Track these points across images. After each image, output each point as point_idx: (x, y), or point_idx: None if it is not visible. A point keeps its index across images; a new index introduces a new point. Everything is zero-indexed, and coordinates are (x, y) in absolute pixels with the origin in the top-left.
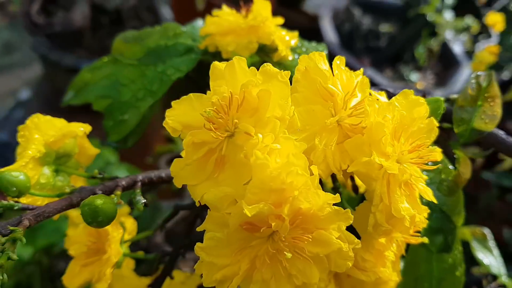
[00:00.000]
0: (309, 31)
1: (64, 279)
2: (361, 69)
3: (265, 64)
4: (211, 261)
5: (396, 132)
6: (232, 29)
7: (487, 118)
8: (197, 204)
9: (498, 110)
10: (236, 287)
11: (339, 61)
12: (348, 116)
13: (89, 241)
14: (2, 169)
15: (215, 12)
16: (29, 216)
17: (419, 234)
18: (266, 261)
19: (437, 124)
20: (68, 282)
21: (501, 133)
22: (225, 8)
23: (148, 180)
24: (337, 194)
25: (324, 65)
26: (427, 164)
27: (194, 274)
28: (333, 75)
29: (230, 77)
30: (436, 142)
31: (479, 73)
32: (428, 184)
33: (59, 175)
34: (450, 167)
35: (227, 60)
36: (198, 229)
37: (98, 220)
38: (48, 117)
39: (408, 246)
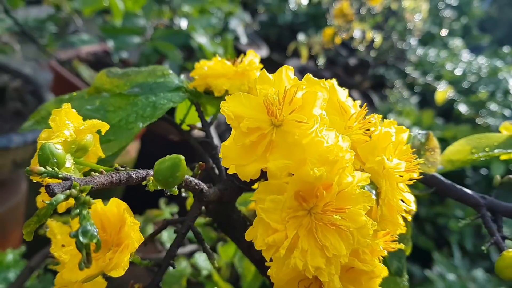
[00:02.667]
0: None
1: (64, 273)
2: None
3: (308, 74)
4: (268, 222)
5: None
6: (225, 73)
7: (430, 164)
8: (247, 180)
9: (437, 158)
10: (284, 252)
11: (345, 91)
12: (359, 129)
13: None
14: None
15: (203, 61)
16: (78, 181)
17: (396, 244)
18: (305, 232)
19: (412, 151)
20: (68, 275)
21: (439, 176)
22: (218, 57)
23: None
24: (367, 175)
25: (340, 88)
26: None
27: None
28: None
29: (278, 82)
30: None
31: (419, 132)
32: None
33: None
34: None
35: (219, 97)
36: (252, 198)
37: (176, 175)
38: (74, 110)
39: None
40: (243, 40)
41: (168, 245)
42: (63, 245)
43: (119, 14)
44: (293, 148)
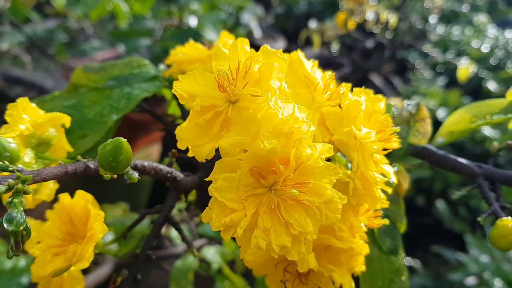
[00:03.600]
0: None
1: (32, 268)
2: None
3: (264, 45)
4: (222, 202)
5: (364, 117)
6: (199, 58)
7: (420, 135)
8: (203, 161)
9: (428, 128)
10: (241, 232)
11: (313, 63)
12: (327, 100)
13: (62, 231)
14: None
15: (179, 48)
16: (27, 173)
17: (379, 220)
18: (267, 210)
19: (391, 122)
20: (37, 270)
21: (431, 147)
22: (191, 41)
23: (133, 165)
24: (329, 146)
25: (305, 60)
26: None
27: None
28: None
29: (233, 56)
30: None
31: (408, 102)
32: None
33: (37, 163)
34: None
35: None
36: (207, 179)
37: (119, 158)
38: (34, 105)
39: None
40: (257, 34)
41: (177, 242)
42: (38, 242)
43: (123, 17)
44: (249, 123)
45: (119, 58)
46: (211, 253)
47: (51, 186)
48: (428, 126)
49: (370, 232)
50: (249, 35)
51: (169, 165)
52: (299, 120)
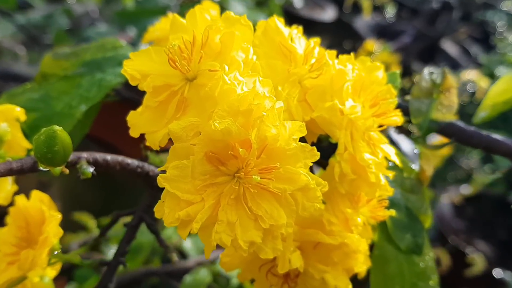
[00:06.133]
0: None
1: None
2: (318, 38)
3: (227, 11)
4: (174, 193)
5: (355, 89)
6: None
7: (444, 109)
8: (157, 148)
9: (454, 100)
10: (198, 227)
11: (297, 30)
12: (309, 71)
13: (17, 237)
14: None
15: (158, 24)
16: None
17: (385, 211)
18: (231, 201)
19: (396, 93)
20: None
21: (459, 122)
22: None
23: (93, 159)
24: (300, 124)
25: (284, 27)
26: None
27: None
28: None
29: (191, 26)
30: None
31: (431, 70)
32: (390, 183)
33: None
34: (412, 165)
35: None
36: (160, 169)
37: (54, 149)
38: None
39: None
40: (297, 2)
41: (192, 254)
42: None
43: None
44: (206, 103)
45: (131, 44)
46: None
47: (9, 188)
48: (454, 98)
49: (383, 226)
50: (288, 4)
51: (143, 159)
52: (259, 95)
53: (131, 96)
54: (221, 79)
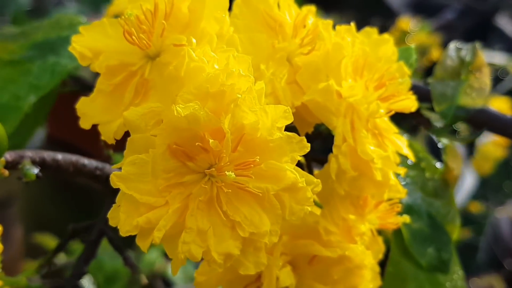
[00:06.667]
0: None
1: None
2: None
3: None
4: (132, 195)
5: (356, 67)
6: None
7: (474, 92)
8: (113, 142)
9: (486, 81)
10: (160, 236)
11: None
12: (299, 46)
13: None
14: None
15: None
16: None
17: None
18: (202, 204)
19: (409, 72)
20: None
21: (492, 109)
22: None
23: (40, 159)
24: (285, 108)
25: None
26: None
27: None
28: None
29: None
30: (414, 131)
31: (459, 45)
32: (409, 185)
33: None
34: (436, 164)
35: None
36: (115, 166)
37: None
38: None
39: (388, 255)
40: None
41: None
42: None
43: None
44: (170, 85)
45: None
46: None
47: None
48: (486, 79)
49: (399, 237)
50: None
51: (105, 159)
52: (234, 74)
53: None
54: (187, 55)
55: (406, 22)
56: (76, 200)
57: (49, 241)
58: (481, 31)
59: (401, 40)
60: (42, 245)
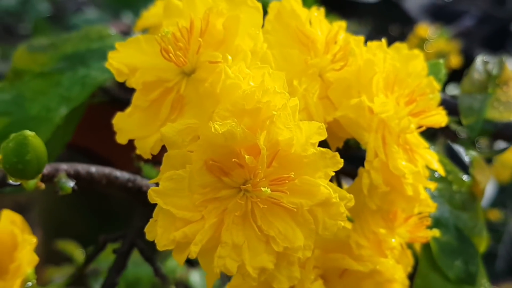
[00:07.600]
0: None
1: None
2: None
3: None
4: (169, 210)
5: (387, 83)
6: None
7: (501, 106)
8: (149, 157)
9: None
10: (197, 250)
11: (317, 12)
12: (331, 62)
13: None
14: None
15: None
16: None
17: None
18: (237, 219)
19: (439, 87)
20: None
21: None
22: None
23: (74, 172)
24: (319, 125)
25: (301, 9)
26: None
27: None
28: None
29: (189, 9)
30: (432, 140)
31: (485, 58)
32: (436, 198)
33: None
34: (463, 176)
35: None
36: (152, 181)
37: (26, 158)
38: None
39: (416, 268)
40: None
41: None
42: None
43: None
44: (206, 101)
45: (127, 34)
46: None
47: None
48: None
49: (427, 251)
50: None
51: (136, 171)
52: (269, 91)
53: (123, 96)
54: (224, 72)
55: (425, 29)
56: (94, 205)
57: (68, 246)
58: (499, 37)
59: (419, 47)
60: (61, 251)
